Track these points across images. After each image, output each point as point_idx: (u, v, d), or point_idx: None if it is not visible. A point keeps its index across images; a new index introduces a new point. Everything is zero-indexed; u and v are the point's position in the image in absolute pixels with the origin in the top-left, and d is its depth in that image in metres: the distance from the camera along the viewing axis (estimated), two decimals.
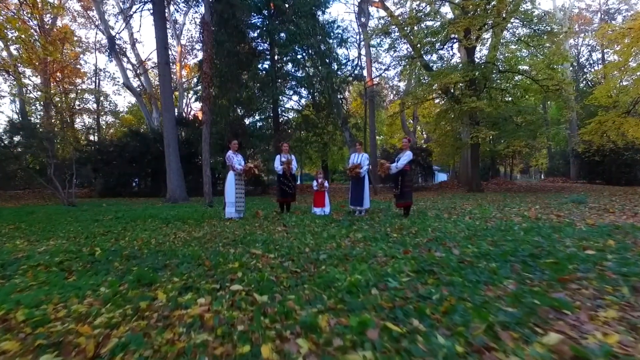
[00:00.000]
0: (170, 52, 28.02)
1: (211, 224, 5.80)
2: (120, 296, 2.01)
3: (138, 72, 22.51)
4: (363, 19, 21.46)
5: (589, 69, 33.10)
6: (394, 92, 28.60)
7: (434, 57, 17.46)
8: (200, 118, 16.36)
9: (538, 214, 6.10)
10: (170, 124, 11.14)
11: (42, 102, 24.18)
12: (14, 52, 19.59)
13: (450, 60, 18.96)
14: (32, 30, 20.26)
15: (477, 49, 17.44)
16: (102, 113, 29.21)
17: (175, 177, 11.17)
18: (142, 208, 9.24)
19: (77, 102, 28.87)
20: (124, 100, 61.36)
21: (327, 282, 2.17)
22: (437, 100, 21.94)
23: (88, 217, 7.06)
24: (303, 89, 16.28)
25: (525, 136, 14.88)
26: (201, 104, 10.14)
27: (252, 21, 15.24)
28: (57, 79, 25.44)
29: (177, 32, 26.95)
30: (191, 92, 23.25)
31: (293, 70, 16.43)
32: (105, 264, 2.93)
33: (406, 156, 6.25)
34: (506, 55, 16.57)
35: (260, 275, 2.41)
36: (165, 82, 11.19)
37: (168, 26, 27.50)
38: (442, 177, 31.23)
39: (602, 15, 32.22)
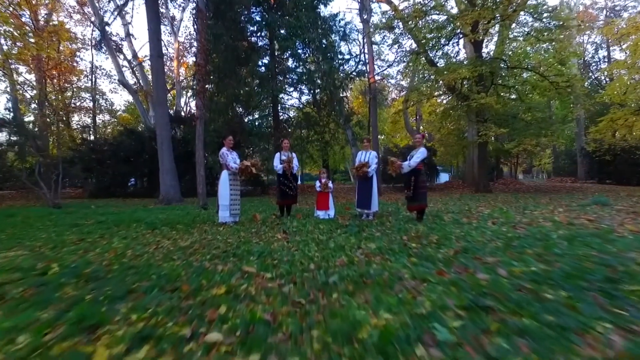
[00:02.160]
0: (168, 49, 27.34)
1: (202, 230, 5.16)
2: (41, 353, 1.36)
3: (133, 67, 21.86)
4: (365, 16, 20.83)
5: (595, 66, 32.49)
6: (398, 88, 27.99)
7: (439, 53, 16.78)
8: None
9: (568, 218, 5.45)
10: (163, 120, 10.47)
11: (36, 100, 23.59)
12: (4, 48, 18.95)
13: (456, 56, 18.27)
14: (26, 27, 19.68)
15: (484, 44, 16.79)
16: (98, 111, 28.54)
17: (168, 177, 10.51)
18: (131, 210, 8.59)
19: (73, 101, 28.25)
20: (120, 99, 60.67)
21: (345, 327, 1.52)
22: (440, 99, 21.31)
23: (68, 221, 6.41)
24: (304, 85, 15.61)
25: (536, 134, 14.22)
26: (195, 98, 9.48)
27: (251, 14, 14.57)
28: (51, 76, 24.76)
29: (175, 29, 26.34)
30: (190, 90, 22.62)
31: (293, 66, 15.76)
32: (53, 289, 2.27)
33: (420, 153, 5.60)
34: (514, 50, 15.95)
35: (250, 312, 1.76)
36: (158, 75, 10.52)
37: (165, 23, 26.94)
38: (444, 177, 30.56)
39: (608, 12, 31.61)
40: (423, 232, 4.45)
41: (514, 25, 15.27)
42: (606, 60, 32.28)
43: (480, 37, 14.21)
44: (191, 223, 5.83)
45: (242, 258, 3.26)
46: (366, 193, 6.16)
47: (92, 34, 23.46)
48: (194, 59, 24.64)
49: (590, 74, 31.24)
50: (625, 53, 29.21)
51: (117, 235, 4.72)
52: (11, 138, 16.99)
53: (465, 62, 15.05)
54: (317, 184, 6.57)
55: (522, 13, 14.31)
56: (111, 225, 5.72)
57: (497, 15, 13.55)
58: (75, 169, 14.77)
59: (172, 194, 10.44)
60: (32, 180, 10.00)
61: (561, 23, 13.59)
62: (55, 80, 25.91)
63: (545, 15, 13.86)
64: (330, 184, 6.52)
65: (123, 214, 7.50)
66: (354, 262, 2.94)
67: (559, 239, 3.75)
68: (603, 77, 31.59)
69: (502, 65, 14.54)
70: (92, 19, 22.38)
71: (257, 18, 15.09)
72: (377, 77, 21.58)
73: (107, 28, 21.14)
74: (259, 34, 15.42)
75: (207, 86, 15.65)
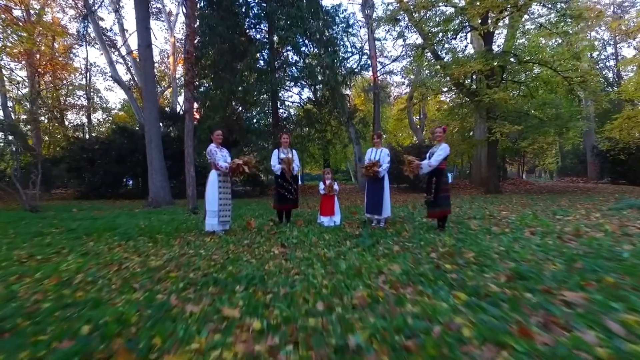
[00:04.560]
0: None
1: (185, 242, 4.33)
2: None
3: (126, 60, 21.09)
4: (367, 11, 20.01)
5: (602, 64, 31.71)
6: (402, 86, 27.23)
7: (446, 47, 15.92)
8: (197, 117, 14.88)
9: (619, 227, 4.62)
10: (152, 115, 9.62)
11: (28, 98, 22.82)
12: None
13: (463, 51, 17.45)
14: (18, 22, 18.86)
15: (493, 39, 15.93)
16: (92, 109, 27.73)
17: (158, 177, 9.66)
18: (114, 214, 7.76)
19: (68, 99, 27.46)
20: (116, 97, 59.67)
21: None
22: (445, 97, 20.46)
23: (35, 229, 5.58)
24: (304, 80, 14.72)
25: (551, 132, 13.38)
26: (184, 89, 8.62)
27: (248, 4, 13.69)
28: (44, 73, 23.91)
29: (171, 25, 25.58)
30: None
31: (294, 60, 14.88)
32: None
33: (442, 150, 4.76)
34: (526, 44, 15.14)
35: None
36: (146, 67, 9.67)
37: (162, 19, 26.14)
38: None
39: (615, 8, 30.85)
40: (453, 247, 3.63)
41: (525, 17, 14.45)
42: (613, 57, 31.49)
43: (491, 29, 13.37)
44: (174, 232, 4.99)
45: (225, 288, 2.43)
46: (377, 196, 5.33)
47: (85, 29, 22.57)
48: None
49: (598, 71, 30.42)
50: (636, 50, 28.35)
51: (78, 249, 3.89)
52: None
53: (474, 56, 14.21)
54: (321, 186, 5.74)
55: (534, 4, 13.48)
56: (81, 235, 4.89)
57: (508, 5, 12.73)
58: (59, 169, 13.86)
59: (161, 196, 9.60)
60: (9, 182, 9.16)
61: (577, 14, 12.74)
62: (48, 77, 25.11)
63: (559, 6, 13.06)
64: (335, 186, 5.68)
65: (102, 220, 6.67)
66: (378, 298, 2.11)
67: (636, 259, 2.92)
68: (611, 75, 30.80)
69: (512, 60, 13.71)
70: (85, 12, 21.56)
71: (255, 10, 14.20)
72: (379, 75, 20.79)
73: (100, 23, 20.38)
74: (257, 26, 14.56)
75: (203, 81, 14.88)
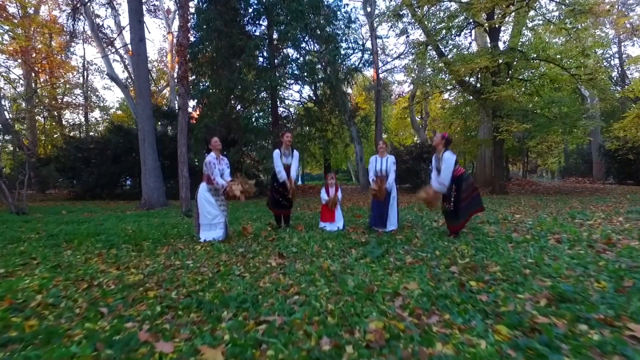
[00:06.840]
0: (164, 44, 25.91)
1: (173, 250, 3.91)
2: None
3: (123, 57, 20.70)
4: (369, 8, 19.58)
5: (607, 62, 31.18)
6: (406, 82, 26.82)
7: (450, 44, 15.47)
8: (196, 116, 14.45)
9: None
10: (145, 112, 9.18)
11: (24, 96, 22.43)
12: None
13: (468, 49, 17.01)
14: (14, 19, 18.46)
15: (499, 35, 15.49)
16: (89, 108, 27.34)
17: (151, 177, 9.24)
18: (104, 217, 7.34)
19: (65, 97, 27.05)
20: (113, 95, 59.16)
21: None
22: (448, 95, 20.04)
23: (14, 233, 5.16)
24: (305, 77, 14.28)
25: (560, 131, 12.96)
26: (178, 84, 8.15)
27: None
28: (41, 71, 23.47)
29: (169, 22, 25.18)
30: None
31: (294, 57, 14.44)
32: None
33: (446, 163, 4.15)
34: (532, 41, 14.70)
35: None
36: (140, 62, 9.24)
37: (160, 16, 25.73)
38: None
39: (620, 6, 30.36)
40: (473, 257, 3.20)
41: (532, 13, 14.02)
42: (617, 56, 31.06)
43: (497, 24, 12.95)
44: (162, 238, 4.56)
45: (209, 314, 2.01)
46: (383, 208, 4.85)
47: (83, 28, 22.10)
48: (189, 51, 23.33)
49: (605, 69, 29.94)
50: None
51: (51, 260, 3.46)
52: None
53: (480, 53, 13.80)
54: (323, 194, 5.18)
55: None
56: (60, 242, 4.46)
57: (516, 0, 12.32)
58: (48, 169, 13.46)
59: (155, 197, 9.18)
60: None
61: (587, 9, 12.32)
62: (45, 76, 24.68)
63: (568, 0, 12.67)
64: (339, 195, 5.16)
65: (89, 223, 6.24)
66: (399, 333, 1.69)
67: None
68: (614, 73, 30.33)
69: (517, 57, 13.29)
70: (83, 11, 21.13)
71: (255, 4, 13.75)
72: (380, 73, 20.36)
73: (97, 20, 20.00)
74: (256, 21, 14.11)
75: (201, 79, 14.45)
